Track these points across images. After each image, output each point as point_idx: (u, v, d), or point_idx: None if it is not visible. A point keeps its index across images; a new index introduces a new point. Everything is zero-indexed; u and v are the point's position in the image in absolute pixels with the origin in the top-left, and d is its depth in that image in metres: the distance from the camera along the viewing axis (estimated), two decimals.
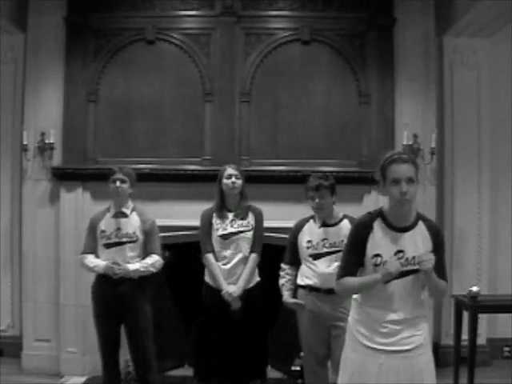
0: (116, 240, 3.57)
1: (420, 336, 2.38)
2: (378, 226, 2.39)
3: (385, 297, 2.38)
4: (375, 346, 2.37)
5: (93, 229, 3.64)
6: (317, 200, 3.32)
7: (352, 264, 2.44)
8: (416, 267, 2.34)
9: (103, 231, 3.60)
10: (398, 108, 4.64)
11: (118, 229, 3.58)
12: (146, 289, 3.65)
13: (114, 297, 3.53)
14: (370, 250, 2.38)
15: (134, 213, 3.65)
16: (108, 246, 3.58)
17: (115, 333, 3.65)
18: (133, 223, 3.62)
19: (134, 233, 3.60)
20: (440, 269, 2.40)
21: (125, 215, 3.62)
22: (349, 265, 2.45)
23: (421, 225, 2.40)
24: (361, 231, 2.41)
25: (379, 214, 2.42)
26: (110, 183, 3.62)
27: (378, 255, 2.36)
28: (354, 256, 2.42)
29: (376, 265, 2.36)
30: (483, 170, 4.84)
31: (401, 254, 2.35)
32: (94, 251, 3.63)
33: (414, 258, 2.34)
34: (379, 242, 2.37)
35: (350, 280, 2.43)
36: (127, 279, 3.52)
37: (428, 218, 2.48)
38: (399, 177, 2.30)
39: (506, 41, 4.80)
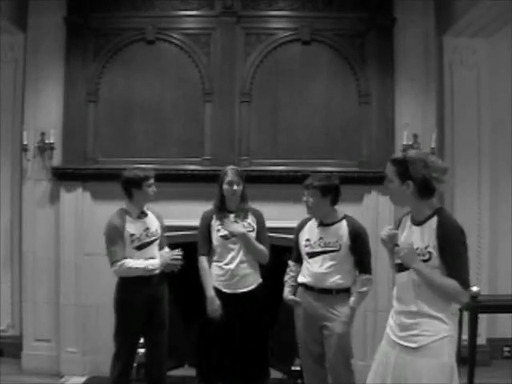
0: (147, 240, 3.60)
1: (427, 337, 2.36)
2: (405, 221, 2.58)
3: (398, 287, 2.51)
4: (394, 338, 2.47)
5: (120, 235, 3.54)
6: (304, 198, 3.37)
7: None
8: (422, 258, 2.41)
9: (132, 234, 3.56)
10: (398, 108, 4.64)
11: (147, 228, 3.61)
12: (167, 287, 3.71)
13: (145, 295, 3.54)
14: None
15: (149, 212, 3.70)
16: (140, 247, 3.57)
17: (140, 333, 3.65)
18: (154, 221, 3.67)
19: (157, 230, 3.66)
20: (448, 267, 2.36)
21: (146, 215, 3.66)
22: None
23: (433, 220, 2.43)
24: (394, 225, 2.68)
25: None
26: (144, 187, 3.56)
27: (397, 245, 2.53)
28: None
29: (395, 253, 2.54)
30: (483, 169, 4.84)
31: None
32: (125, 257, 3.56)
33: (417, 249, 2.43)
34: (400, 234, 2.56)
35: None
36: (155, 278, 3.55)
37: (445, 213, 2.47)
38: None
39: (506, 41, 4.80)
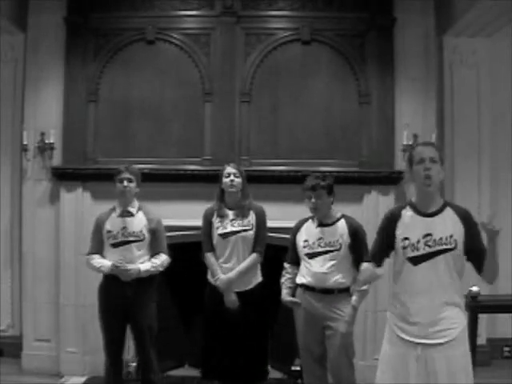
0: (122, 239, 3.58)
1: (455, 330, 2.45)
2: (406, 213, 2.61)
3: (414, 279, 2.52)
4: (412, 339, 2.48)
5: (98, 229, 3.63)
6: (313, 200, 3.34)
7: (376, 249, 2.73)
8: (443, 247, 2.47)
9: (109, 231, 3.60)
10: (398, 108, 4.64)
11: (124, 228, 3.59)
12: (151, 288, 3.66)
13: (120, 296, 3.53)
14: (400, 235, 2.57)
15: (140, 212, 3.66)
16: (115, 245, 3.59)
17: (120, 332, 3.65)
18: (139, 222, 3.62)
19: (141, 231, 3.60)
20: (480, 250, 2.50)
21: (131, 214, 3.63)
22: (373, 250, 2.75)
23: (449, 210, 2.57)
24: (388, 219, 2.66)
25: (409, 203, 2.65)
26: (116, 183, 3.61)
27: (406, 238, 2.54)
28: (380, 242, 2.69)
29: (404, 247, 2.55)
30: (483, 169, 4.84)
31: (429, 237, 2.50)
32: (99, 251, 3.63)
33: (441, 238, 2.48)
34: (407, 226, 2.57)
35: (364, 267, 2.83)
36: (136, 280, 3.53)
37: (455, 204, 2.63)
38: (424, 156, 2.53)
39: (506, 40, 4.80)
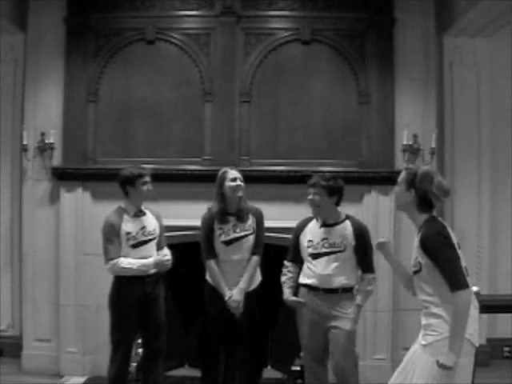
0: (143, 238, 3.59)
1: (433, 336, 2.47)
2: None
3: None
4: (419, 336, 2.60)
5: (115, 232, 3.54)
6: (310, 196, 3.36)
7: None
8: (414, 269, 2.57)
9: (129, 232, 3.56)
10: (398, 108, 4.64)
11: (144, 227, 3.60)
12: (163, 286, 3.71)
13: (142, 296, 3.55)
14: None
15: (147, 211, 3.70)
16: (135, 245, 3.58)
17: (136, 332, 3.67)
18: (151, 220, 3.67)
19: (154, 229, 3.66)
20: (440, 273, 2.47)
21: (144, 213, 3.65)
22: None
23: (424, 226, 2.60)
24: None
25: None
26: (139, 185, 3.57)
27: None
28: None
29: None
30: (483, 170, 4.84)
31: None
32: (121, 254, 3.57)
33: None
34: None
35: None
36: (151, 278, 3.57)
37: (429, 223, 2.58)
38: None
39: (506, 41, 4.80)
